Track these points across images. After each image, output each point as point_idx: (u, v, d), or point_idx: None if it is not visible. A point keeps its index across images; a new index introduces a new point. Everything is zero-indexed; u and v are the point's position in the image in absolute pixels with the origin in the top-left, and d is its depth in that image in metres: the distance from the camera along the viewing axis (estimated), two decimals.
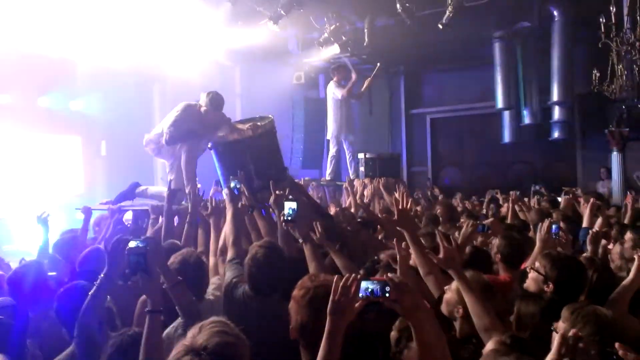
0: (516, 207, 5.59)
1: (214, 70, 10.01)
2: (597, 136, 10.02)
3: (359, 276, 1.80)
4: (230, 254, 3.28)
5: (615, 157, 9.20)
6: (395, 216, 2.92)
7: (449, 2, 7.81)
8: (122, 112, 9.04)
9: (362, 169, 8.24)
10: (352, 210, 5.59)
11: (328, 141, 9.14)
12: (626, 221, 5.22)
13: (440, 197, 8.46)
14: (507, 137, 11.74)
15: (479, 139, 12.71)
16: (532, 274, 2.65)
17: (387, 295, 1.74)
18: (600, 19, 6.76)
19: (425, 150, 13.19)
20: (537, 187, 9.00)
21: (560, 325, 2.07)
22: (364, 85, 8.99)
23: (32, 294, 3.11)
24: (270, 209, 3.86)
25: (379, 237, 4.40)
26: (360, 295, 1.76)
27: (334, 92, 8.69)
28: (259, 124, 4.80)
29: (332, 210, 5.73)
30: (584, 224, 4.35)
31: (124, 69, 8.74)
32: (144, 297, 2.79)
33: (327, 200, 7.56)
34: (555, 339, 1.63)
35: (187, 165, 5.13)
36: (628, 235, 3.94)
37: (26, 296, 3.09)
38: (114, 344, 2.31)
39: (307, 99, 12.15)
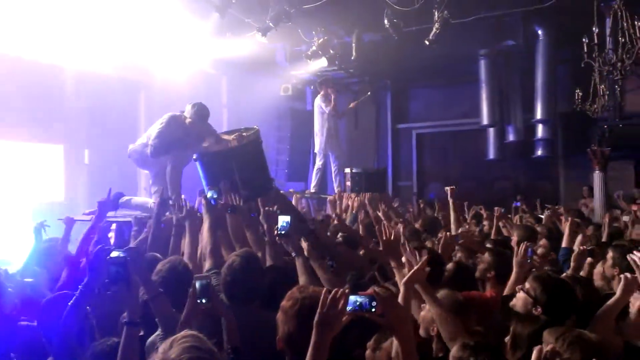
0: (500, 223, 5.63)
1: (201, 80, 9.97)
2: (580, 155, 10.15)
3: (347, 290, 1.82)
4: (208, 265, 3.27)
5: (597, 176, 9.31)
6: (381, 247, 2.94)
7: (436, 19, 7.90)
8: (107, 120, 8.94)
9: (348, 183, 8.25)
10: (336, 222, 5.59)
11: (314, 154, 9.15)
12: (604, 239, 5.26)
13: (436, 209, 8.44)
14: (491, 153, 11.85)
15: (464, 155, 12.82)
16: (520, 294, 2.64)
17: (374, 310, 1.77)
18: (583, 39, 6.89)
19: (410, 165, 13.25)
20: (517, 204, 9.07)
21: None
22: (350, 106, 9.06)
23: None
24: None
25: (360, 253, 4.42)
26: (349, 308, 1.78)
27: (320, 106, 8.72)
28: (244, 134, 4.80)
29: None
30: (564, 244, 4.39)
31: (110, 76, 8.67)
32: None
33: (311, 213, 7.56)
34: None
35: (172, 176, 5.09)
36: (610, 254, 3.95)
37: None
38: (93, 354, 2.31)
39: (294, 111, 12.18)
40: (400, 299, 2.29)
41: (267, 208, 3.66)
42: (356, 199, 7.22)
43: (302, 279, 3.02)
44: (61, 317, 2.38)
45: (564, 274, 3.47)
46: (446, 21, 7.87)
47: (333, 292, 1.80)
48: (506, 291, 3.10)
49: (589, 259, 3.71)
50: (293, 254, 3.18)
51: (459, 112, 12.36)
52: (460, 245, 4.20)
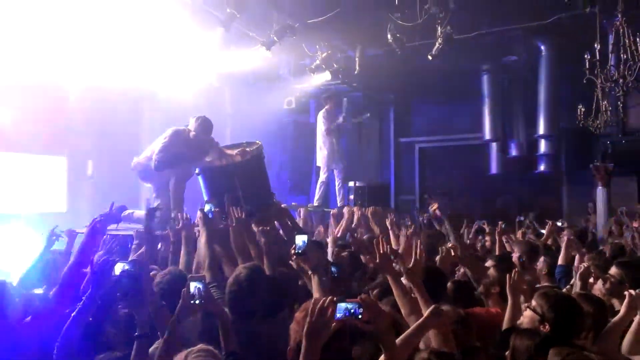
0: (503, 239, 5.61)
1: (204, 92, 10.01)
2: (583, 170, 10.14)
3: (335, 298, 1.86)
4: (206, 278, 3.25)
5: (600, 192, 9.28)
6: (377, 259, 2.94)
7: (439, 34, 7.95)
8: (110, 131, 8.97)
9: (351, 197, 8.25)
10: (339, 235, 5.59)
11: (317, 167, 9.16)
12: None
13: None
14: (494, 168, 11.85)
15: (466, 170, 12.81)
16: (527, 312, 2.62)
17: (360, 316, 1.83)
18: (585, 55, 6.91)
19: (413, 179, 13.25)
20: (521, 218, 9.04)
21: None
22: (339, 120, 9.00)
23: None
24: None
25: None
26: (339, 315, 1.83)
27: (323, 120, 8.76)
28: (247, 149, 4.82)
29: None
30: (560, 261, 4.38)
31: (113, 88, 8.71)
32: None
33: (313, 227, 7.53)
34: None
35: (176, 189, 5.10)
36: (613, 270, 3.93)
37: None
38: None
39: (297, 124, 12.20)
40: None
41: (261, 228, 3.74)
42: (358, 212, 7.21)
43: (316, 296, 3.04)
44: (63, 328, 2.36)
45: (573, 292, 3.45)
46: (449, 37, 7.91)
47: (321, 301, 1.84)
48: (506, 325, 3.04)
49: (592, 278, 3.68)
50: (309, 273, 3.21)
51: (462, 126, 12.38)
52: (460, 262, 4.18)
